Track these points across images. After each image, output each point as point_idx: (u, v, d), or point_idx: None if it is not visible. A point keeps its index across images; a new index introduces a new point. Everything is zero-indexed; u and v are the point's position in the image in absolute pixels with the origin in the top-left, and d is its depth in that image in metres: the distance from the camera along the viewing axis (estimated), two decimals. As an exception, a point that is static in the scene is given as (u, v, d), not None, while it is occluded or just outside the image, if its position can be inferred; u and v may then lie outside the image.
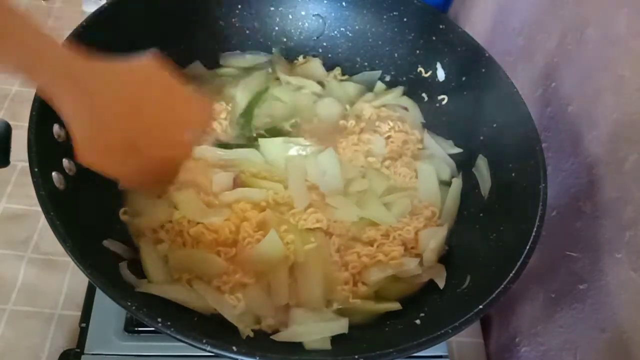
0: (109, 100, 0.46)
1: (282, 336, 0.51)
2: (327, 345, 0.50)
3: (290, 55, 0.78)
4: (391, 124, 0.70)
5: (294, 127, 0.70)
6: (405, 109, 0.74)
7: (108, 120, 0.46)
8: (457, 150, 0.69)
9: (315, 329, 0.51)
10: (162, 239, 0.58)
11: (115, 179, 0.54)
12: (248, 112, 0.70)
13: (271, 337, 0.51)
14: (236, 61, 0.76)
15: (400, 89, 0.75)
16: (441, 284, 0.57)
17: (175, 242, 0.57)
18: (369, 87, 0.76)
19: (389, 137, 0.70)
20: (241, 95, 0.71)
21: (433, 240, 0.61)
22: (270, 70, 0.76)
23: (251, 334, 0.51)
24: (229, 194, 0.61)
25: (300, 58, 0.78)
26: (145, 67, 0.47)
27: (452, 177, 0.68)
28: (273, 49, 0.77)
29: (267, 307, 0.54)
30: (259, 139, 0.66)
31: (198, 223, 0.58)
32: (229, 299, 0.54)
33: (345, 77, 0.78)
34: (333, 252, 0.59)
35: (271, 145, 0.66)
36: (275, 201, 0.62)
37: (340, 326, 0.52)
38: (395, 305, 0.57)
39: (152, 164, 0.54)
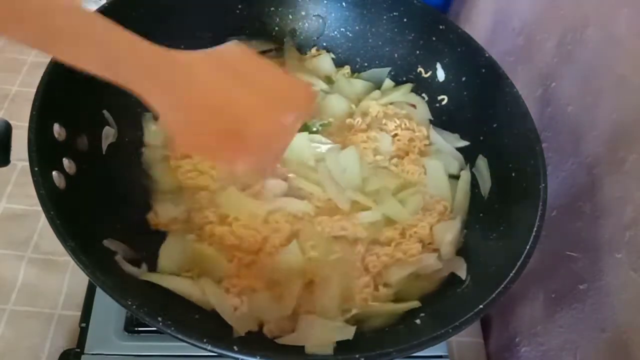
0: (198, 91, 0.44)
1: (286, 340, 0.50)
2: (330, 351, 0.49)
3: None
4: (398, 121, 0.70)
5: (321, 125, 0.69)
6: (413, 106, 0.73)
7: (201, 109, 0.44)
8: (464, 143, 0.68)
9: (320, 334, 0.50)
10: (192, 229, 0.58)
11: (217, 163, 0.53)
12: None
13: (274, 340, 0.50)
14: None
15: (408, 86, 0.74)
16: (462, 275, 0.56)
17: (200, 235, 0.58)
18: (377, 85, 0.76)
19: (395, 135, 0.69)
20: None
21: (449, 233, 0.61)
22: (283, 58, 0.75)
23: (242, 334, 0.50)
24: (271, 202, 0.60)
25: (313, 50, 0.78)
26: (229, 53, 0.45)
27: (461, 169, 0.67)
28: (285, 39, 0.77)
29: (271, 314, 0.53)
30: None
31: (225, 224, 0.58)
32: (232, 299, 0.53)
33: (355, 75, 0.77)
34: (356, 260, 0.58)
35: (298, 142, 0.63)
36: (309, 213, 0.60)
37: (346, 333, 0.51)
38: (415, 303, 0.55)
39: (255, 147, 0.50)
